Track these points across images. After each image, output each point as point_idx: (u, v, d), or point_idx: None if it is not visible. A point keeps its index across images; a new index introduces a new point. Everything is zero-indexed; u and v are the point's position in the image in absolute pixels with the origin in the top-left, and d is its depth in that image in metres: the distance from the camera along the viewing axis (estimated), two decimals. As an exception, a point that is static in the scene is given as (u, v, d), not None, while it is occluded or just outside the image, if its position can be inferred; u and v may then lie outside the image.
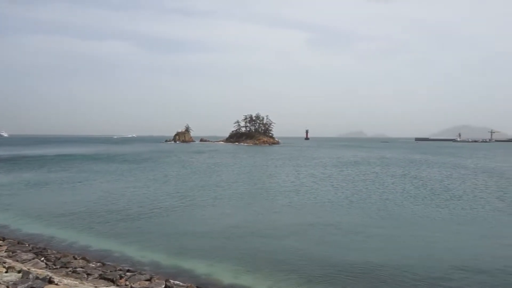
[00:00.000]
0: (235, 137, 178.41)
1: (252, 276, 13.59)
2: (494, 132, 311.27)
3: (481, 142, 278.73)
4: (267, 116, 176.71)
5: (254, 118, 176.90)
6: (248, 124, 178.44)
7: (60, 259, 14.92)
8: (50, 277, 10.94)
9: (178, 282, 12.72)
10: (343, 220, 22.19)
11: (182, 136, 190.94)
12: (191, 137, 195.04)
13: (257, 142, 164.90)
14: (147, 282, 12.50)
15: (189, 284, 12.68)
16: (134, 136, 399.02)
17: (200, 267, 14.47)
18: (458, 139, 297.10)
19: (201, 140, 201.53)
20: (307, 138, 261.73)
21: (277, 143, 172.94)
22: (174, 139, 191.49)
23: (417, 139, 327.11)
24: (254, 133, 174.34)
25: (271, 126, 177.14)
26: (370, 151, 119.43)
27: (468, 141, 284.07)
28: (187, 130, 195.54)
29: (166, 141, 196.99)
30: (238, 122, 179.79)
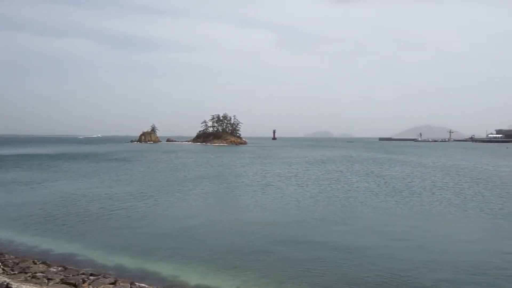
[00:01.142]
0: (203, 137, 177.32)
1: (220, 277, 13.58)
2: (452, 132, 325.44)
3: (441, 141, 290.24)
4: (234, 116, 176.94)
5: (221, 118, 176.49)
6: (216, 124, 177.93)
7: (19, 264, 14.35)
8: (8, 283, 10.54)
9: (144, 285, 12.55)
10: (308, 218, 22.54)
11: (148, 136, 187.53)
12: (157, 137, 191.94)
13: (225, 142, 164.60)
14: (111, 286, 12.24)
15: (155, 287, 12.54)
16: (99, 136, 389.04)
17: (166, 269, 14.32)
18: (419, 139, 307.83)
19: (168, 140, 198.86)
20: (274, 138, 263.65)
21: (245, 143, 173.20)
22: (140, 139, 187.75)
23: (381, 139, 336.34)
24: (221, 133, 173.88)
25: (239, 126, 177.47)
26: (336, 150, 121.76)
27: (429, 141, 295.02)
28: (153, 130, 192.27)
29: (132, 141, 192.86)
30: (205, 122, 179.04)
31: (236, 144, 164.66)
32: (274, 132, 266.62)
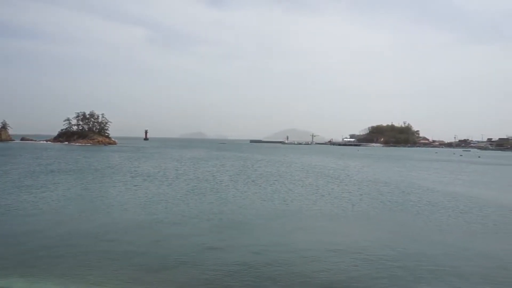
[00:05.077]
0: (65, 136, 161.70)
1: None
2: (315, 136, 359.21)
3: (305, 144, 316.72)
4: (102, 114, 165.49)
5: (88, 116, 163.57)
6: (81, 123, 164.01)
7: None
8: None
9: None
10: (175, 217, 22.46)
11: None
12: (9, 136, 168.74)
13: (91, 142, 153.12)
14: None
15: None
16: None
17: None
18: (286, 141, 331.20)
19: (23, 139, 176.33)
20: (146, 139, 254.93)
21: (114, 143, 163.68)
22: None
23: (252, 141, 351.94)
24: (87, 132, 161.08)
25: (107, 125, 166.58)
26: (209, 151, 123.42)
27: (294, 143, 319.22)
28: (4, 127, 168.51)
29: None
30: (69, 120, 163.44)
31: (105, 144, 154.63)
32: (146, 132, 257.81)
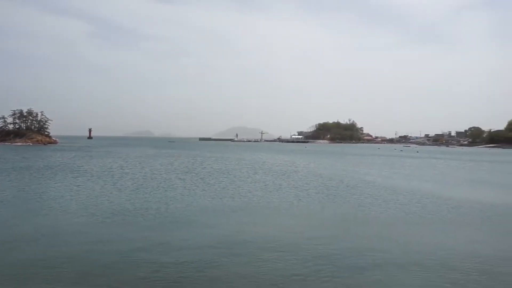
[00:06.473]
0: (0, 135, 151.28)
1: None
2: (264, 133, 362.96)
3: (254, 141, 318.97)
4: (42, 112, 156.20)
5: (25, 114, 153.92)
6: (18, 121, 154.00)
7: None
8: None
9: None
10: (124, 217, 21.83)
11: None
12: None
13: (30, 142, 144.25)
14: None
15: None
16: None
17: None
18: (236, 139, 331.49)
19: None
20: (90, 137, 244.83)
21: (55, 142, 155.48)
22: None
23: (201, 139, 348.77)
24: (25, 131, 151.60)
25: (47, 123, 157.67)
26: (156, 150, 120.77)
27: (244, 141, 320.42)
28: None
29: None
30: (4, 118, 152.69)
31: (44, 144, 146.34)
32: (90, 130, 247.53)
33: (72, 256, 14.80)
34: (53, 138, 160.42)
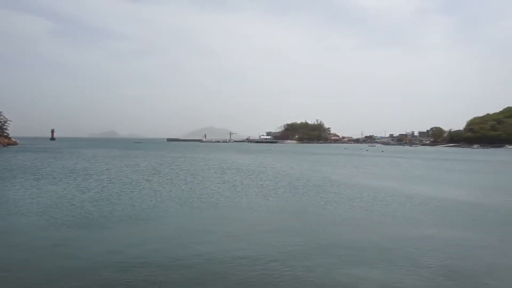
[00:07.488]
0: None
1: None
2: (232, 134, 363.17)
3: (223, 142, 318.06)
4: (0, 112, 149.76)
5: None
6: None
7: None
8: None
9: None
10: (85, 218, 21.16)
11: None
12: None
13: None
14: None
15: None
16: None
17: None
18: (204, 140, 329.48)
19: None
20: (53, 138, 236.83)
21: (15, 143, 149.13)
22: None
23: (169, 140, 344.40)
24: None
25: (6, 124, 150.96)
26: (122, 151, 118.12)
27: (212, 142, 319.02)
28: None
29: None
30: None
31: (4, 145, 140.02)
32: (52, 131, 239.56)
33: (29, 261, 14.20)
34: (13, 139, 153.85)
